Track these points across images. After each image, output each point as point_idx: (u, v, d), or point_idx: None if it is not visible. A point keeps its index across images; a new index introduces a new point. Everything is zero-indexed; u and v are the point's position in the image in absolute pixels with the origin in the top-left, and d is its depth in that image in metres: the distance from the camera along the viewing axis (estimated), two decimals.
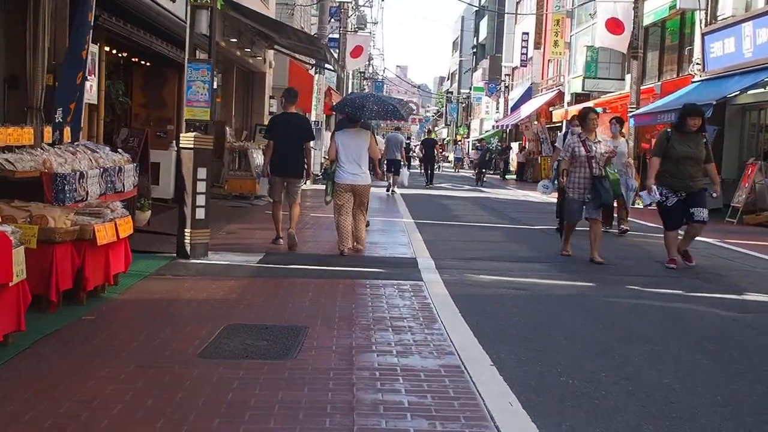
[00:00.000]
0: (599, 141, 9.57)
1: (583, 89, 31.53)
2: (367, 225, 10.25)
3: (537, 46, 43.55)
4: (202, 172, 8.42)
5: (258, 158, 16.85)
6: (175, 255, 8.44)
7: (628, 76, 28.37)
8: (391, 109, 9.75)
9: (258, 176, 16.34)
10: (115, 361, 4.61)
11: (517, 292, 7.39)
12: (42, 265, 5.54)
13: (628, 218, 12.89)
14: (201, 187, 8.43)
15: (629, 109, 22.36)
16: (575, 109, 28.49)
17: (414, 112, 61.88)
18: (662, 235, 9.43)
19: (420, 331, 5.61)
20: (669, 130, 9.55)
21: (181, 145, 8.51)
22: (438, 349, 5.15)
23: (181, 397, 4.04)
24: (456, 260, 9.23)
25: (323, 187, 10.76)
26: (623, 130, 26.63)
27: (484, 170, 33.03)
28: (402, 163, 22.39)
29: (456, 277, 7.94)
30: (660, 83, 23.20)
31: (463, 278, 7.89)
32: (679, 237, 9.26)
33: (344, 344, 5.17)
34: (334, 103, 33.65)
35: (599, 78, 31.15)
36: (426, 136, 33.81)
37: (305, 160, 9.69)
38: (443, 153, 45.27)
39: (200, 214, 8.46)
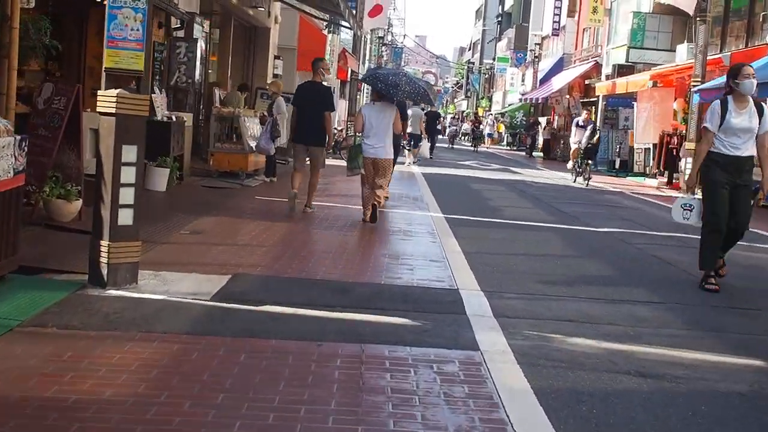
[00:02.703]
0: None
1: (627, 60, 28.11)
2: (387, 198, 10.45)
3: (571, 13, 39.99)
4: (129, 153, 5.33)
5: (252, 128, 13.75)
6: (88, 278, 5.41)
7: (679, 47, 25.07)
8: (422, 93, 9.83)
9: (252, 149, 13.27)
10: None
11: (650, 384, 4.24)
12: None
13: None
14: (127, 175, 5.35)
15: (693, 83, 19.04)
16: (625, 82, 25.19)
17: (434, 84, 58.52)
18: None
19: None
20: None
21: (98, 108, 5.40)
22: None
23: None
24: (519, 296, 6.13)
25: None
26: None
27: (589, 161, 19.74)
28: (422, 136, 22.70)
29: (531, 340, 4.84)
30: (729, 54, 19.84)
31: (544, 345, 4.77)
32: None
33: None
34: (350, 69, 30.24)
35: (646, 48, 27.71)
36: (430, 109, 31.05)
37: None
38: (481, 128, 41.92)
39: (125, 217, 5.38)
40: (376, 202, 9.31)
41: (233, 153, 13.37)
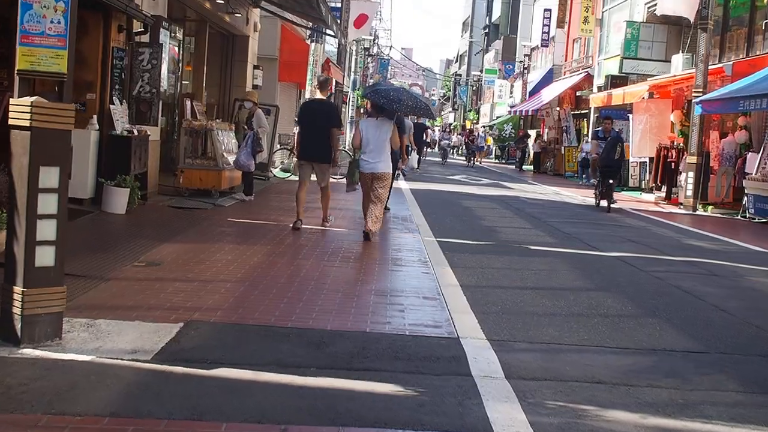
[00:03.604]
0: None
1: (620, 71, 27.21)
2: (387, 210, 10.75)
3: (560, 24, 39.20)
4: (49, 176, 4.24)
5: (227, 142, 12.69)
6: None
7: (674, 57, 24.22)
8: (423, 107, 9.96)
9: (226, 166, 12.21)
10: None
11: None
12: None
13: None
14: (47, 204, 4.25)
15: (695, 94, 18.12)
16: (621, 93, 24.27)
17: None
18: None
19: None
20: None
21: (10, 121, 4.31)
22: None
23: None
24: (533, 346, 5.06)
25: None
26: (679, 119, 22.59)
27: (611, 181, 16.00)
28: (411, 147, 21.89)
29: (558, 415, 3.77)
30: (731, 63, 18.95)
31: (575, 424, 3.68)
32: None
33: None
34: (335, 80, 29.31)
35: (640, 59, 26.85)
36: (417, 120, 30.04)
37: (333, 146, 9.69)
38: (475, 143, 39.22)
39: (45, 257, 4.29)
40: (368, 230, 9.12)
41: (205, 169, 12.27)
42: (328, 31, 20.18)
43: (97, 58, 9.78)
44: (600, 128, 17.99)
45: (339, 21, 22.24)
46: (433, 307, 5.91)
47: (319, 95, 10.14)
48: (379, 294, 6.28)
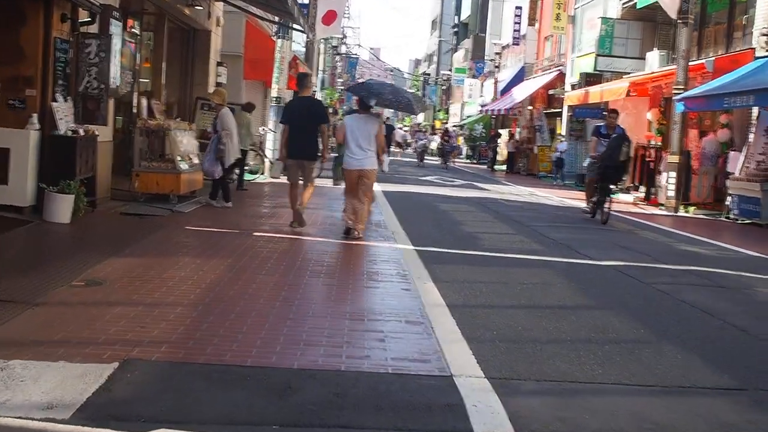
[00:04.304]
0: None
1: (594, 69, 26.64)
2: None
3: (531, 22, 38.67)
4: None
5: (186, 143, 11.76)
6: None
7: (649, 54, 23.69)
8: (405, 102, 9.65)
9: (184, 169, 11.30)
10: None
11: None
12: None
13: None
14: None
15: (675, 91, 17.49)
16: (599, 91, 23.60)
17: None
18: None
19: None
20: None
21: None
22: None
23: None
24: (541, 386, 4.23)
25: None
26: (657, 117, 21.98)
27: (612, 187, 13.53)
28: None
29: None
30: (712, 59, 18.34)
31: None
32: None
33: None
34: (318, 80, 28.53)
35: (614, 56, 26.29)
36: (385, 123, 28.98)
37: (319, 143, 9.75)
38: (451, 142, 37.20)
39: None
40: (354, 229, 9.03)
41: (162, 172, 11.31)
42: (296, 26, 19.24)
43: (36, 50, 8.77)
44: (602, 123, 14.93)
45: (306, 16, 21.33)
46: (418, 334, 5.06)
47: (303, 93, 9.93)
48: (354, 317, 5.42)
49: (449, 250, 9.01)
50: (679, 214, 17.12)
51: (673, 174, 17.56)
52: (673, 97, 17.51)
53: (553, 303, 6.43)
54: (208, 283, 6.21)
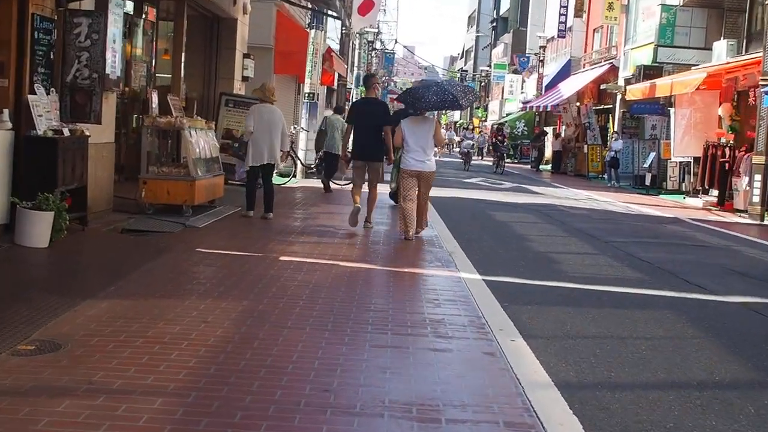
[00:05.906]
0: None
1: (654, 61, 24.51)
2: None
3: (578, 13, 36.56)
4: None
5: (203, 144, 9.99)
6: None
7: (716, 44, 21.46)
8: (449, 100, 9.44)
9: (199, 175, 9.55)
10: None
11: None
12: None
13: None
14: None
15: (762, 82, 15.34)
16: (668, 83, 21.39)
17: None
18: None
19: None
20: None
21: None
22: None
23: None
24: None
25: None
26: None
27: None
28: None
29: None
30: None
31: None
32: None
33: None
34: (337, 73, 26.56)
35: (676, 47, 24.10)
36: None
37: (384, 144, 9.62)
38: (506, 142, 31.61)
39: None
40: (410, 237, 8.87)
41: (173, 180, 9.53)
42: (331, 12, 17.39)
43: (9, 30, 6.98)
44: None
45: (343, 2, 19.50)
46: None
47: (368, 94, 10.21)
48: (424, 416, 3.52)
49: (527, 281, 7.07)
50: (765, 222, 15.01)
51: (758, 177, 15.44)
52: (761, 89, 15.38)
53: (705, 377, 4.47)
54: (210, 346, 4.37)
